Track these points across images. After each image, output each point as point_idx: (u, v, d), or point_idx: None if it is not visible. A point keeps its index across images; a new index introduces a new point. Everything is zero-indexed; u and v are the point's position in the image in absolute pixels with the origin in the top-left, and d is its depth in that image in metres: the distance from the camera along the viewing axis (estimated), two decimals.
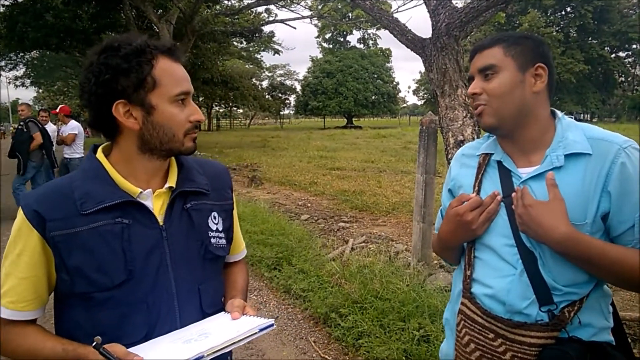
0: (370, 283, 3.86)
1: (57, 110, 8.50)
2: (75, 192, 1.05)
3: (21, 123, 7.81)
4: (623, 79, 54.96)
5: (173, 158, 1.19)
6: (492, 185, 1.28)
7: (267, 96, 50.05)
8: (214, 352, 0.93)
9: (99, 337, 0.94)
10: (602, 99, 51.95)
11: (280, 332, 3.68)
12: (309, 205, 8.35)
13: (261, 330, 0.97)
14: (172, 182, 1.15)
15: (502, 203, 1.23)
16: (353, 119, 56.80)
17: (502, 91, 1.20)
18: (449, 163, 4.90)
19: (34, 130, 7.73)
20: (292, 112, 69.45)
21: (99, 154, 1.12)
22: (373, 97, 53.52)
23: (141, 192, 1.09)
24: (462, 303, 1.29)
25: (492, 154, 1.31)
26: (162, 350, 0.98)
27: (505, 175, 1.25)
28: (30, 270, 1.04)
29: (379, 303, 3.51)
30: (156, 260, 1.08)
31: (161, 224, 1.10)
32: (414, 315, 3.27)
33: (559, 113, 1.28)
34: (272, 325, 0.99)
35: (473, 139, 4.75)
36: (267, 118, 78.07)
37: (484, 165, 1.32)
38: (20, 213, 1.05)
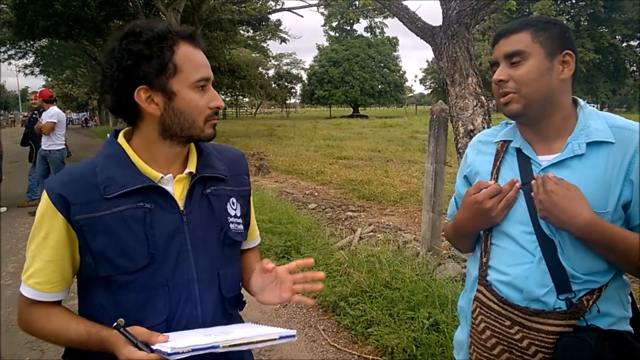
0: (379, 272, 3.86)
1: (37, 94, 7.71)
2: (98, 177, 1.05)
3: (35, 112, 7.72)
4: (634, 68, 54.19)
5: (192, 144, 1.19)
6: (510, 172, 1.26)
7: (273, 85, 49.91)
8: (230, 346, 0.94)
9: (121, 319, 0.96)
10: (612, 88, 51.30)
11: (289, 319, 3.71)
12: (316, 194, 8.36)
13: (281, 337, 0.98)
14: (192, 167, 1.16)
15: (520, 190, 1.22)
16: (359, 108, 56.60)
17: (530, 78, 1.17)
18: (458, 152, 4.90)
19: None
20: (298, 101, 69.28)
21: (121, 139, 1.12)
22: (379, 86, 53.29)
23: (162, 177, 1.10)
24: (477, 290, 1.28)
25: (511, 141, 1.29)
26: (183, 338, 1.00)
27: (524, 162, 1.24)
28: (55, 253, 1.06)
29: (388, 292, 3.52)
30: (177, 245, 1.09)
31: (182, 209, 1.11)
32: (423, 304, 3.28)
33: (580, 101, 1.26)
34: (293, 336, 0.99)
35: (483, 128, 4.73)
36: (273, 107, 77.83)
37: (502, 152, 1.30)
38: (44, 197, 1.06)
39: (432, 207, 4.29)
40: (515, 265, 1.21)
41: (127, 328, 0.97)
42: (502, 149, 1.31)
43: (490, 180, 1.28)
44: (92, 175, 1.06)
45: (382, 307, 3.38)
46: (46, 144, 7.36)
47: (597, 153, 1.16)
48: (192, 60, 1.07)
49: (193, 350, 0.92)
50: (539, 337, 1.14)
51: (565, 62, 1.20)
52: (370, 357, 3.06)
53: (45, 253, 1.06)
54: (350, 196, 8.01)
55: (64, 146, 7.51)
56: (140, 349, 0.94)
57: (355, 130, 24.53)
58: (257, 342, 0.98)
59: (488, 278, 1.27)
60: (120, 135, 1.14)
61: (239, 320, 1.31)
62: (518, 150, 1.27)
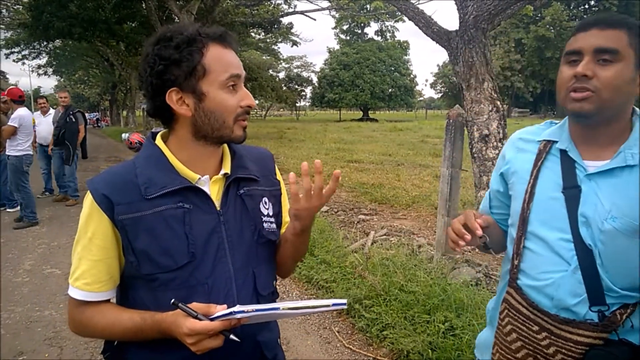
0: (393, 275, 3.87)
1: (5, 92, 7.00)
2: (138, 178, 1.08)
3: (70, 113, 7.73)
4: None
5: (226, 145, 1.22)
6: (552, 174, 1.20)
7: (283, 87, 50.04)
8: (290, 308, 0.98)
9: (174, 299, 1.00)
10: None
11: (304, 321, 3.72)
12: None
13: (334, 304, 1.00)
14: (226, 168, 1.19)
15: (562, 194, 1.16)
16: (369, 112, 56.60)
17: (616, 84, 1.08)
18: (472, 157, 4.88)
19: (81, 122, 7.87)
20: (307, 104, 69.45)
21: (158, 141, 1.15)
22: (390, 90, 53.25)
23: (200, 178, 1.12)
24: (507, 292, 1.25)
25: (555, 141, 1.23)
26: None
27: (568, 165, 1.18)
28: (103, 252, 1.08)
29: (403, 295, 3.53)
30: (215, 244, 1.12)
31: (218, 209, 1.14)
32: (439, 308, 3.28)
33: (637, 110, 1.19)
34: (344, 304, 1.01)
35: (498, 133, 4.72)
36: (282, 109, 78.08)
37: (545, 152, 1.24)
38: (89, 198, 1.08)
39: (447, 211, 4.29)
40: (548, 272, 1.17)
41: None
42: (545, 149, 1.25)
43: (529, 179, 1.24)
44: (133, 176, 1.09)
45: (397, 310, 3.39)
46: (7, 148, 6.74)
47: None
48: (221, 60, 1.09)
49: (256, 310, 0.96)
50: (567, 346, 1.12)
51: None
52: (386, 359, 3.07)
53: (92, 253, 1.08)
54: (362, 199, 8.01)
55: (27, 152, 6.78)
56: (201, 320, 0.98)
57: (365, 134, 24.54)
58: (314, 307, 1.00)
59: (518, 282, 1.24)
60: (158, 137, 1.17)
61: None
62: (562, 152, 1.21)
